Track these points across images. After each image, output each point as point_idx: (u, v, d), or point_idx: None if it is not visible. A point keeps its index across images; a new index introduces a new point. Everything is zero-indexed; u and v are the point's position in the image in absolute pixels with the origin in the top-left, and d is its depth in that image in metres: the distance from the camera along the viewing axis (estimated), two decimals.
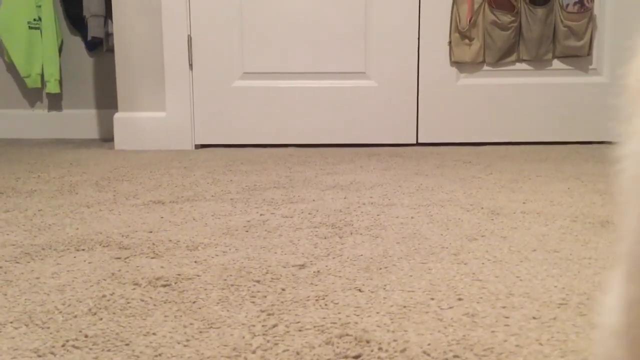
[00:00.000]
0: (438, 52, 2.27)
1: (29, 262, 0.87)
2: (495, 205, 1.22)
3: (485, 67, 2.29)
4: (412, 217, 1.12)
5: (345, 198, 1.31)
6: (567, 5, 2.21)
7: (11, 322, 0.65)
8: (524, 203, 1.23)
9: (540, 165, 1.75)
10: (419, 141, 2.31)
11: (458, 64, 2.28)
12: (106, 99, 2.76)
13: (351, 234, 1.02)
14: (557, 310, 0.67)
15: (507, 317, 0.65)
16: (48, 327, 0.64)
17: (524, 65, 2.29)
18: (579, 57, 2.26)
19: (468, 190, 1.38)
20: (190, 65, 2.27)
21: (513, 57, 2.28)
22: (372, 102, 2.30)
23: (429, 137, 2.31)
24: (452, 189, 1.39)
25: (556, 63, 2.27)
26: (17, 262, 0.87)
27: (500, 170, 1.66)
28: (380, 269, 0.83)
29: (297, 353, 0.57)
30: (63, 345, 0.59)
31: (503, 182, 1.47)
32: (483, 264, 0.84)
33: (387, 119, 2.30)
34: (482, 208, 1.19)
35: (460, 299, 0.71)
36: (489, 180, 1.50)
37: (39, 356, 0.57)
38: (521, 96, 2.29)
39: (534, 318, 0.65)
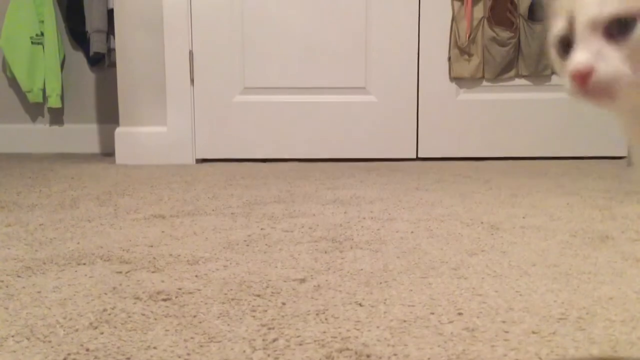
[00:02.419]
0: (437, 67, 2.29)
1: (30, 276, 0.88)
2: (495, 220, 1.22)
3: (485, 83, 2.30)
4: (412, 232, 1.13)
5: (345, 212, 1.31)
6: None
7: (12, 336, 0.65)
8: (523, 218, 1.24)
9: (540, 180, 1.76)
10: (419, 156, 2.32)
11: (457, 79, 2.29)
12: (107, 113, 2.78)
13: (351, 248, 1.02)
14: (556, 325, 0.67)
15: (506, 332, 0.65)
16: (49, 341, 0.64)
17: (523, 81, 2.31)
18: None
19: (468, 205, 1.38)
20: (192, 81, 2.29)
21: (512, 73, 2.29)
22: (372, 117, 2.31)
23: (428, 152, 2.32)
24: (452, 203, 1.40)
25: (555, 78, 2.29)
26: (19, 276, 0.88)
27: (499, 185, 1.67)
28: (381, 283, 0.83)
29: None
30: (64, 359, 0.59)
31: (503, 197, 1.48)
32: (483, 278, 0.85)
33: (387, 133, 2.31)
34: (482, 223, 1.20)
35: (460, 314, 0.71)
36: (488, 195, 1.50)
37: None
38: (520, 111, 2.30)
39: (534, 332, 0.65)
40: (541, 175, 1.86)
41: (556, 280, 0.83)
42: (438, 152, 2.30)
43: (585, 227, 1.15)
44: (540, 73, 2.26)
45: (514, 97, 2.29)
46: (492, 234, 1.10)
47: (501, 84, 2.29)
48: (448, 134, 2.30)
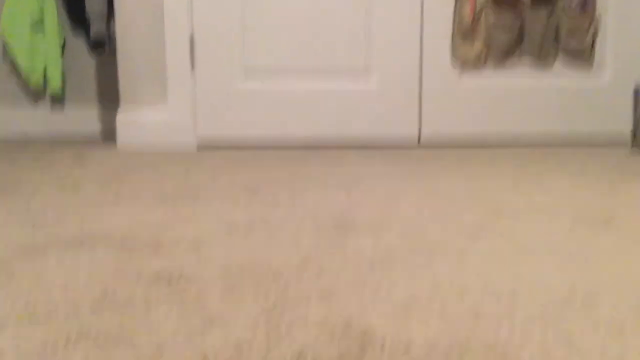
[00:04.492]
0: (440, 52, 2.27)
1: (31, 259, 0.87)
2: (499, 204, 1.21)
3: (488, 68, 2.29)
4: (415, 215, 1.12)
5: (348, 196, 1.30)
6: (570, 6, 2.21)
7: (14, 319, 0.65)
8: (527, 201, 1.23)
9: (544, 163, 1.75)
10: (422, 140, 2.31)
11: (460, 64, 2.28)
12: (109, 98, 2.77)
13: (354, 231, 1.01)
14: (561, 307, 0.67)
15: (511, 314, 0.65)
16: (51, 324, 0.64)
17: (526, 66, 2.29)
18: (582, 58, 2.26)
19: (471, 188, 1.37)
20: (193, 65, 2.27)
21: (515, 58, 2.27)
22: (374, 102, 2.30)
23: (431, 138, 2.31)
24: (455, 187, 1.39)
25: (559, 64, 2.27)
26: (20, 259, 0.87)
27: (503, 170, 1.66)
28: (384, 266, 0.83)
29: (300, 349, 0.57)
30: (66, 342, 0.59)
31: (507, 182, 1.47)
32: (487, 261, 0.84)
33: (389, 119, 2.30)
34: (486, 207, 1.19)
35: (464, 296, 0.71)
36: (492, 180, 1.49)
37: (42, 352, 0.57)
38: (524, 97, 2.29)
39: (539, 314, 0.65)
40: (545, 158, 1.84)
41: (561, 262, 0.83)
42: (441, 137, 2.29)
43: (590, 208, 1.14)
44: (544, 58, 2.24)
45: (518, 82, 2.27)
46: (496, 217, 1.10)
47: (505, 69, 2.27)
48: (451, 119, 2.28)
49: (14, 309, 0.68)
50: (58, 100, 2.81)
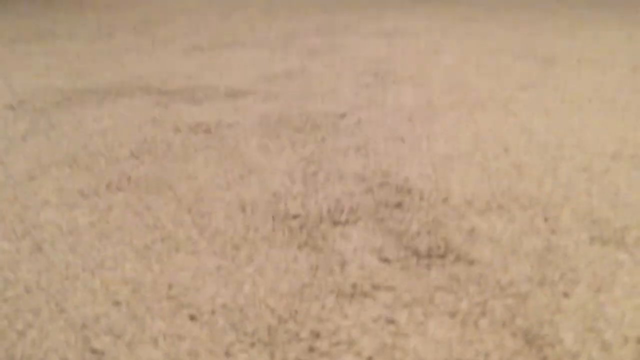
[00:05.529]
0: None
1: (70, 107, 0.87)
2: (550, 52, 1.14)
3: None
4: (459, 66, 1.07)
5: (388, 45, 1.24)
6: None
7: (56, 164, 0.66)
8: (581, 50, 1.15)
9: (601, 10, 1.62)
10: None
11: None
12: None
13: (394, 82, 0.98)
14: (609, 162, 0.64)
15: (555, 169, 0.63)
16: (92, 170, 0.65)
17: None
18: None
19: (522, 36, 1.29)
20: None
21: None
22: None
23: None
24: (505, 35, 1.31)
25: None
26: (59, 106, 0.88)
27: (558, 14, 1.55)
28: (424, 119, 0.80)
29: (337, 200, 0.57)
30: (107, 187, 0.60)
31: (560, 28, 1.37)
32: (533, 114, 0.81)
33: None
34: (536, 56, 1.12)
35: (506, 150, 0.68)
36: (545, 26, 1.40)
37: (83, 196, 0.58)
38: None
39: (585, 169, 0.62)
40: (603, 4, 1.71)
41: (612, 116, 0.79)
42: None
43: None
44: None
45: None
46: (546, 68, 1.04)
47: None
48: None
49: (56, 155, 0.69)
50: None
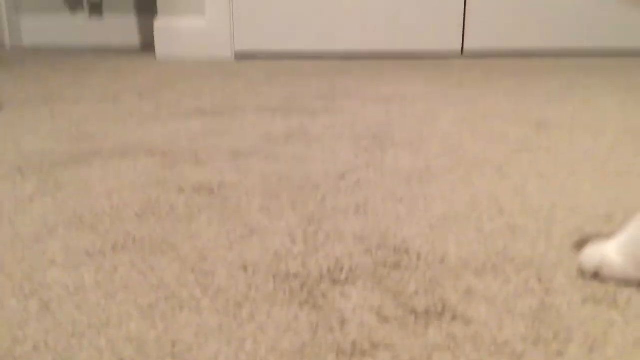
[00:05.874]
0: None
1: (76, 168, 0.90)
2: (543, 117, 1.18)
3: None
4: (455, 130, 1.10)
5: (387, 109, 1.29)
6: None
7: (62, 224, 0.68)
8: (573, 115, 1.19)
9: (593, 75, 1.68)
10: (465, 48, 2.23)
11: None
12: (147, 4, 2.73)
13: (392, 145, 1.01)
14: (602, 225, 0.66)
15: (549, 231, 0.65)
16: (97, 230, 0.66)
17: None
18: None
19: (514, 101, 1.34)
20: None
21: None
22: (416, 7, 2.21)
23: (475, 44, 2.23)
24: (498, 100, 1.36)
25: None
26: (66, 168, 0.90)
27: (549, 80, 1.60)
28: (421, 181, 0.82)
29: (337, 259, 0.58)
30: (112, 247, 0.62)
31: (551, 94, 1.42)
32: (527, 177, 0.83)
33: (431, 24, 2.22)
34: (529, 120, 1.16)
35: (501, 212, 0.70)
36: (537, 92, 1.45)
37: (89, 256, 0.59)
38: (575, 6, 2.17)
39: (578, 231, 0.64)
40: (594, 70, 1.77)
41: (604, 179, 0.81)
42: (485, 45, 2.21)
43: (637, 124, 1.10)
44: None
45: None
46: (539, 132, 1.07)
47: None
48: (497, 25, 2.19)
49: (62, 216, 0.71)
50: (96, 6, 2.79)
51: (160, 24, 2.26)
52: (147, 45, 2.71)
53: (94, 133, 1.11)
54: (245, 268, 0.57)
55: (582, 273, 0.53)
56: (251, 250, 0.61)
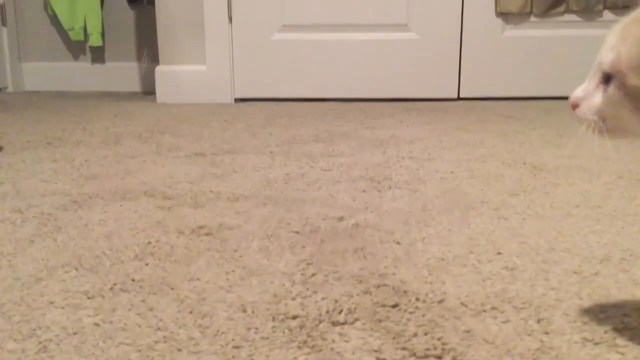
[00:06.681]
0: (483, 2, 2.21)
1: (77, 210, 0.90)
2: (539, 160, 1.20)
3: (533, 18, 2.21)
4: (452, 172, 1.11)
5: (384, 152, 1.30)
6: None
7: (62, 266, 0.68)
8: (568, 159, 1.21)
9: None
10: (461, 95, 2.27)
11: (504, 14, 2.21)
12: (148, 52, 2.79)
13: (390, 187, 1.02)
14: (598, 266, 0.66)
15: (547, 272, 0.65)
16: (97, 271, 0.66)
17: (573, 17, 2.21)
18: (630, 8, 2.16)
19: (510, 145, 1.35)
20: (230, 19, 2.26)
21: (562, 8, 2.19)
22: (413, 55, 2.26)
23: (471, 91, 2.26)
24: (494, 144, 1.37)
25: (607, 14, 2.18)
26: (66, 210, 0.91)
27: (544, 125, 1.62)
28: (419, 222, 0.83)
29: (336, 301, 0.58)
30: (111, 289, 0.62)
31: (547, 138, 1.44)
32: (524, 219, 0.84)
33: (428, 72, 2.26)
34: (525, 163, 1.17)
35: (499, 253, 0.71)
36: (532, 136, 1.47)
37: (89, 298, 0.59)
38: (570, 49, 2.21)
39: (575, 273, 0.64)
40: None
41: (600, 222, 0.82)
42: (480, 91, 2.24)
43: (632, 168, 1.12)
44: (591, 9, 2.16)
45: (564, 33, 2.20)
46: (534, 175, 1.08)
47: (550, 19, 2.19)
48: (492, 72, 2.23)
49: (62, 258, 0.71)
50: (98, 53, 2.85)
51: (162, 69, 2.30)
52: (149, 91, 2.75)
53: (95, 175, 1.12)
54: (244, 309, 0.57)
55: None
56: (250, 292, 0.61)
